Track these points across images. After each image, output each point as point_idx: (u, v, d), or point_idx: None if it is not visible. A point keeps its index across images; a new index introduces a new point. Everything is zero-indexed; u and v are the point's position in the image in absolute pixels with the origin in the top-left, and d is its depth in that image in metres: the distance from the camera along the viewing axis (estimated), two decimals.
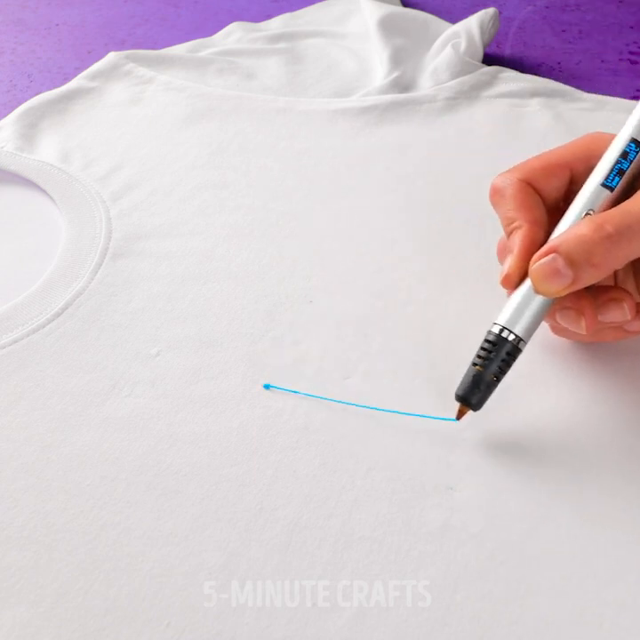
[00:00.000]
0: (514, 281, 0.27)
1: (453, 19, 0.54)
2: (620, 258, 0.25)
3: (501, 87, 0.47)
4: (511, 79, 0.48)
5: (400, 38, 0.52)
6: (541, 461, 0.27)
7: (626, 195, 0.27)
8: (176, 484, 0.26)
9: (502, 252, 0.29)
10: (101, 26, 0.62)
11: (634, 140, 0.27)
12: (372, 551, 0.24)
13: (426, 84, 0.48)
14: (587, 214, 0.27)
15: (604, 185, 0.27)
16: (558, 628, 0.22)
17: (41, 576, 0.24)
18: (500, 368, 0.26)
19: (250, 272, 0.35)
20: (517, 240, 0.27)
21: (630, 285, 0.29)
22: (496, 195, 0.29)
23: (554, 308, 0.27)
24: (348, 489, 0.26)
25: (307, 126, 0.45)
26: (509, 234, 0.28)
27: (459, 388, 0.27)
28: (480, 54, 0.50)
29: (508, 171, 0.29)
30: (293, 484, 0.26)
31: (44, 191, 0.41)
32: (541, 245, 0.26)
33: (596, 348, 0.30)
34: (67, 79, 0.50)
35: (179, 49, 0.54)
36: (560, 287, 0.25)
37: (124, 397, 0.29)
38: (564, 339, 0.30)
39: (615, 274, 0.30)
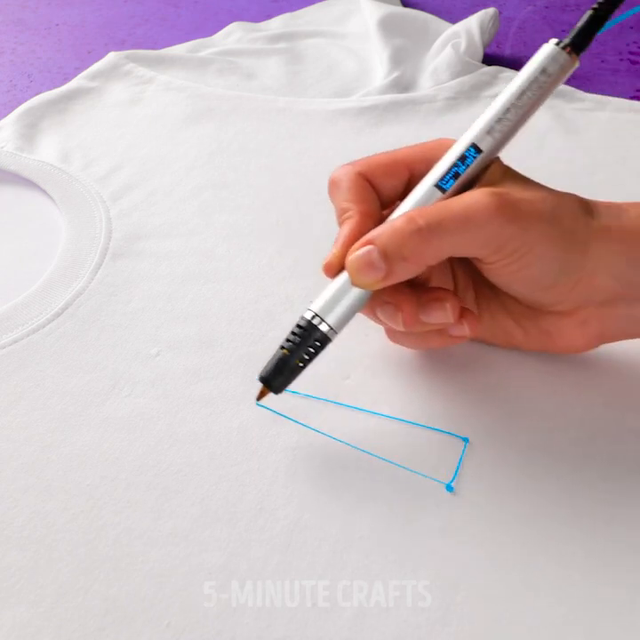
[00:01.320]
0: (335, 269, 0.26)
1: (453, 19, 0.54)
2: (431, 252, 0.25)
3: (501, 87, 0.47)
4: (511, 79, 0.48)
5: (400, 38, 0.52)
6: (541, 461, 0.27)
7: None
8: (176, 484, 0.26)
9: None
10: (101, 26, 0.62)
11: (473, 146, 0.26)
12: (372, 551, 0.24)
13: (426, 84, 0.48)
14: None
15: (437, 186, 0.26)
16: (558, 628, 0.22)
17: (41, 576, 0.24)
18: (306, 354, 0.26)
19: (250, 272, 0.35)
20: (345, 229, 0.26)
21: (469, 297, 0.29)
22: (333, 186, 0.28)
23: (375, 304, 0.27)
24: (348, 489, 0.26)
25: (307, 126, 0.45)
26: (341, 224, 0.27)
27: (263, 370, 0.26)
28: (480, 54, 0.50)
29: (349, 163, 0.28)
30: (293, 484, 0.26)
31: (44, 191, 0.41)
32: None
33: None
34: (67, 79, 0.50)
35: (179, 49, 0.54)
36: (374, 279, 0.25)
37: (124, 397, 0.29)
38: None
39: (455, 284, 0.29)
